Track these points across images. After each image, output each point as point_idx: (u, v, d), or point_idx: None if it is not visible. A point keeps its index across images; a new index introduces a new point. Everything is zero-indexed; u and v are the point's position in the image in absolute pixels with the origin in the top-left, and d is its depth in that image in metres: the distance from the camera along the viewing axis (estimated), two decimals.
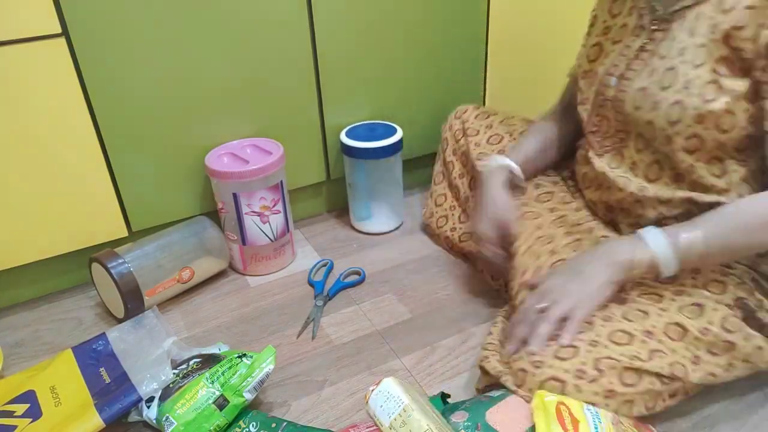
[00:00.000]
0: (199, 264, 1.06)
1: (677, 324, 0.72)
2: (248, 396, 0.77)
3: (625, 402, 0.69)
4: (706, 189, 0.76)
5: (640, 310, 0.73)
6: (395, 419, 0.62)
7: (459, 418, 0.69)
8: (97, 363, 0.87)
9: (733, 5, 0.68)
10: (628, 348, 0.70)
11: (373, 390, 0.65)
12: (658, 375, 0.70)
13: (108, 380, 0.83)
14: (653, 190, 0.80)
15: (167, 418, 0.75)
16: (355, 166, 1.17)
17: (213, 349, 0.87)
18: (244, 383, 0.77)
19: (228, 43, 1.03)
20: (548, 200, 0.94)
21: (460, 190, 1.11)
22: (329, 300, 1.04)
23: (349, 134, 1.17)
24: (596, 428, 0.65)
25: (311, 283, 1.08)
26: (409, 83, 1.24)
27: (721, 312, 0.72)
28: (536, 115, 1.03)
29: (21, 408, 0.79)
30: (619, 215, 0.86)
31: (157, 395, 0.79)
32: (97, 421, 0.75)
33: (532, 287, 0.79)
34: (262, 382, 0.78)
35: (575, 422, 0.65)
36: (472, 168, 1.06)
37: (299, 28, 1.08)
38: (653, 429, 0.72)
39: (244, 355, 0.81)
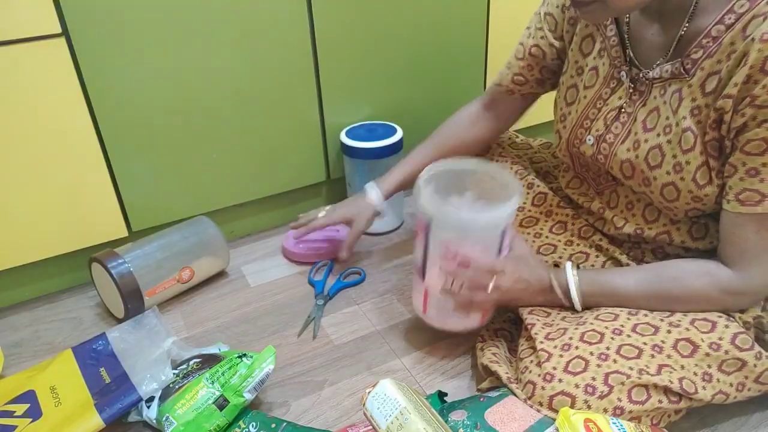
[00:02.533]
0: (199, 264, 1.06)
1: (687, 339, 0.70)
2: (248, 396, 0.77)
3: (632, 419, 0.68)
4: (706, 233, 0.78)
5: (650, 324, 0.73)
6: (392, 422, 0.62)
7: (458, 416, 0.69)
8: (97, 363, 0.87)
9: (717, 88, 0.67)
10: (636, 362, 0.69)
11: (369, 392, 0.65)
12: (666, 391, 0.68)
13: (108, 380, 0.83)
14: (651, 232, 0.81)
15: (167, 418, 0.75)
16: (355, 166, 1.17)
17: (213, 349, 0.87)
18: (244, 383, 0.77)
19: (228, 43, 1.03)
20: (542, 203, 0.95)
21: None
22: (329, 299, 1.04)
23: (349, 134, 1.17)
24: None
25: (311, 283, 1.08)
26: (409, 83, 1.24)
27: (732, 329, 0.71)
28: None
29: (21, 408, 0.79)
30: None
31: (157, 395, 0.79)
32: (97, 421, 0.75)
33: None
34: (262, 382, 0.78)
35: None
36: None
37: (299, 28, 1.08)
38: None
39: (244, 355, 0.81)
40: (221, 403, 0.76)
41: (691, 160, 0.70)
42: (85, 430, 0.75)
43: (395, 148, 1.16)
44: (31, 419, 0.77)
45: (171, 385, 0.79)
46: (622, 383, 0.68)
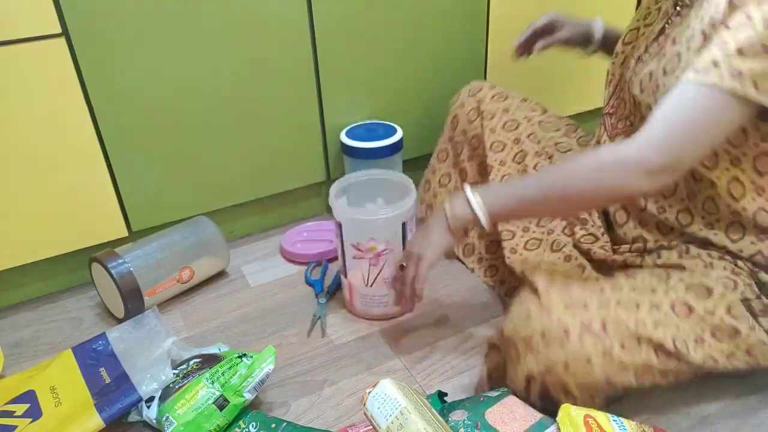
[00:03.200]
0: (199, 264, 1.06)
1: (684, 303, 0.71)
2: (248, 396, 0.77)
3: (620, 368, 0.68)
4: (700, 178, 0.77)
5: (647, 286, 0.73)
6: (392, 422, 0.62)
7: (458, 416, 0.69)
8: (97, 363, 0.87)
9: None
10: (635, 315, 0.70)
11: (369, 392, 0.65)
12: (659, 349, 0.69)
13: (108, 380, 0.83)
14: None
15: (167, 418, 0.75)
16: (355, 166, 1.17)
17: (213, 349, 0.87)
18: (244, 383, 0.77)
19: (228, 43, 1.03)
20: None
21: (468, 174, 1.08)
22: (331, 298, 1.04)
23: (349, 134, 1.17)
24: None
25: (309, 283, 1.08)
26: (409, 83, 1.24)
27: (729, 298, 0.71)
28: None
29: (21, 408, 0.79)
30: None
31: (157, 395, 0.79)
32: (97, 421, 0.75)
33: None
34: (262, 382, 0.78)
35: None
36: (485, 152, 1.03)
37: (299, 28, 1.08)
38: None
39: (244, 355, 0.81)
40: (221, 403, 0.76)
41: (693, 60, 0.68)
42: (85, 430, 0.75)
43: (395, 148, 1.16)
44: (31, 419, 0.77)
45: (171, 385, 0.79)
46: (618, 329, 0.68)
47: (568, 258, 0.89)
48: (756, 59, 0.61)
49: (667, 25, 0.77)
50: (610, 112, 0.87)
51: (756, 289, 0.75)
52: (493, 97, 1.04)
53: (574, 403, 0.69)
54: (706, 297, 0.72)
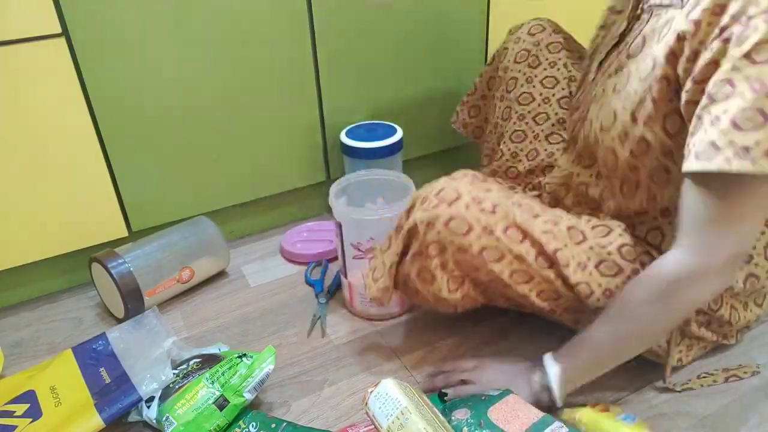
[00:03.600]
0: (199, 264, 1.06)
1: (581, 231, 0.74)
2: (248, 396, 0.77)
3: (496, 250, 0.71)
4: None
5: (555, 211, 0.76)
6: (393, 422, 0.62)
7: (461, 415, 0.69)
8: (97, 363, 0.87)
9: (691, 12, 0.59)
10: (529, 217, 0.73)
11: (371, 392, 0.65)
12: (539, 250, 0.72)
13: (108, 380, 0.83)
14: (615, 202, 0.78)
15: (167, 418, 0.75)
16: (355, 166, 1.17)
17: (213, 349, 0.87)
18: (244, 383, 0.77)
19: (228, 43, 1.03)
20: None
21: (494, 113, 1.03)
22: (331, 298, 1.04)
23: (349, 134, 1.17)
24: (626, 417, 0.71)
25: (309, 283, 1.08)
26: (409, 83, 1.24)
27: (624, 239, 0.73)
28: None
29: (21, 408, 0.79)
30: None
31: (157, 395, 0.79)
32: (97, 421, 0.75)
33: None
34: (262, 382, 0.78)
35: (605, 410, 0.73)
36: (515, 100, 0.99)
37: (299, 28, 1.08)
38: None
39: (244, 355, 0.81)
40: (221, 403, 0.76)
41: (638, 90, 0.66)
42: (85, 430, 0.75)
43: (395, 148, 1.16)
44: (31, 419, 0.77)
45: (171, 385, 0.79)
46: (506, 216, 0.71)
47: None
48: (758, 129, 0.55)
49: (627, 30, 0.73)
50: (576, 106, 0.85)
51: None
52: (548, 45, 0.97)
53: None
54: (604, 235, 0.73)
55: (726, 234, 0.61)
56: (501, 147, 0.99)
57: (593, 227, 0.75)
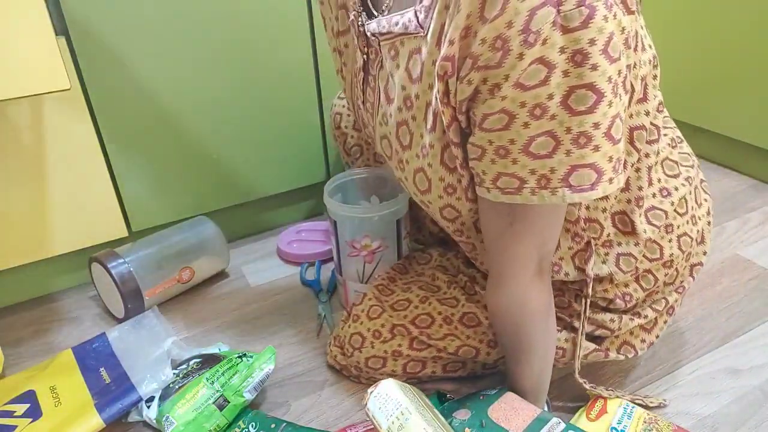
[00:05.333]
0: (199, 264, 1.06)
1: (474, 314, 0.78)
2: (248, 396, 0.77)
3: (415, 362, 0.80)
4: None
5: (455, 298, 0.80)
6: (393, 422, 0.62)
7: (462, 415, 0.69)
8: (97, 363, 0.87)
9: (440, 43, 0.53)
10: (428, 330, 0.78)
11: (371, 392, 0.65)
12: (443, 353, 0.78)
13: (108, 380, 0.83)
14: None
15: (167, 418, 0.75)
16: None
17: (213, 349, 0.88)
18: (244, 383, 0.77)
19: (228, 43, 1.03)
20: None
21: None
22: (331, 296, 1.04)
23: None
24: (619, 421, 0.72)
25: (306, 284, 1.08)
26: None
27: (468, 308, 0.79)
28: None
29: (21, 408, 0.79)
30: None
31: (157, 395, 0.79)
32: (97, 421, 0.75)
33: None
34: (262, 382, 0.78)
35: (602, 413, 0.74)
36: None
37: (299, 28, 1.08)
38: None
39: (244, 355, 0.81)
40: (221, 403, 0.76)
41: (434, 141, 0.59)
42: (85, 430, 0.75)
43: None
44: (31, 419, 0.77)
45: (171, 385, 0.80)
46: (404, 335, 0.79)
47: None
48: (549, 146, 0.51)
49: (369, 66, 0.65)
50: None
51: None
52: None
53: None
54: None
55: (525, 248, 0.60)
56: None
57: (462, 317, 0.79)
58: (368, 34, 0.62)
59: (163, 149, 1.06)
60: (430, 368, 0.80)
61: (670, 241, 0.72)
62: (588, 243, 0.69)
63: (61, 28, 0.89)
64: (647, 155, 0.67)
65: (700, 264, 0.78)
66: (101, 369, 0.86)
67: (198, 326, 1.00)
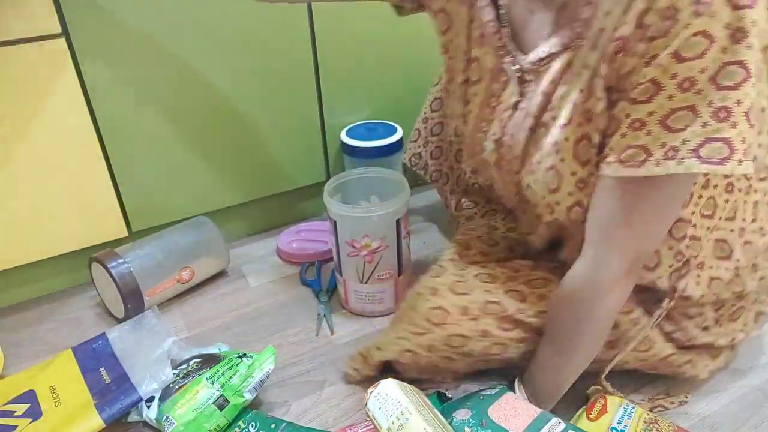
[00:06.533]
0: (199, 264, 1.06)
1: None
2: (248, 396, 0.77)
3: (497, 344, 0.74)
4: None
5: (543, 278, 0.77)
6: (393, 422, 0.62)
7: (463, 415, 0.69)
8: (97, 363, 0.87)
9: (603, 39, 0.56)
10: (518, 302, 0.74)
11: (372, 392, 0.65)
12: (535, 328, 0.73)
13: (108, 380, 0.83)
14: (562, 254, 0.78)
15: (167, 418, 0.75)
16: (355, 165, 1.17)
17: (213, 349, 0.88)
18: (244, 383, 0.77)
19: (227, 43, 1.03)
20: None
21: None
22: (331, 296, 1.04)
23: (349, 134, 1.17)
24: (619, 421, 0.71)
25: (306, 284, 1.08)
26: (409, 83, 1.24)
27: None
28: None
29: (21, 408, 0.79)
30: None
31: (157, 395, 0.79)
32: (97, 421, 0.75)
33: None
34: (262, 382, 0.78)
35: (602, 413, 0.73)
36: None
37: (299, 28, 1.08)
38: None
39: (244, 355, 0.81)
40: (221, 403, 0.76)
41: (569, 135, 0.61)
42: (85, 430, 0.75)
43: (395, 148, 1.16)
44: (31, 419, 0.77)
45: (171, 385, 0.80)
46: (495, 313, 0.73)
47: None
48: (687, 128, 0.52)
49: (519, 99, 0.68)
50: (489, 191, 0.86)
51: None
52: None
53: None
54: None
55: (629, 237, 0.60)
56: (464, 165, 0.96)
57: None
58: (529, 66, 0.64)
59: (163, 149, 1.06)
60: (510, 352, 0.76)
61: (752, 279, 0.73)
62: (687, 262, 0.69)
63: (61, 28, 0.89)
64: (755, 191, 0.68)
65: (764, 313, 0.78)
66: (101, 369, 0.86)
67: (198, 326, 1.00)
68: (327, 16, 1.09)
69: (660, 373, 0.79)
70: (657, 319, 0.71)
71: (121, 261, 0.97)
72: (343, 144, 1.17)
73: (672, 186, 0.57)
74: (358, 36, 1.14)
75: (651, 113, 0.53)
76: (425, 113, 1.10)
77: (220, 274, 1.12)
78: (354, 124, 1.21)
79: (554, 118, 0.63)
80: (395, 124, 1.21)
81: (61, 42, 0.90)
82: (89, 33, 0.92)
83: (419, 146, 1.12)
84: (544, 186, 0.67)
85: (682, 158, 0.53)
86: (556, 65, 0.62)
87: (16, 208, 0.97)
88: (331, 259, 1.01)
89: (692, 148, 0.52)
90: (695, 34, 0.49)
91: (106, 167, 1.02)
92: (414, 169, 1.14)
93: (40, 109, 0.92)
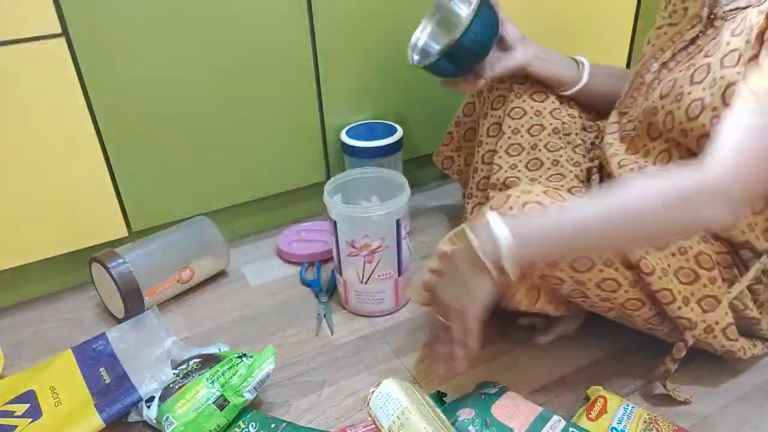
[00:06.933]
0: (199, 264, 1.06)
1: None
2: (248, 396, 0.77)
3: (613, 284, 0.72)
4: None
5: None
6: (394, 422, 0.62)
7: (466, 414, 0.69)
8: (97, 363, 0.87)
9: None
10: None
11: (373, 391, 0.66)
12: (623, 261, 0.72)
13: (108, 380, 0.83)
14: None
15: (167, 418, 0.75)
16: (355, 165, 1.17)
17: (213, 349, 0.88)
18: (244, 383, 0.77)
19: (228, 43, 1.03)
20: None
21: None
22: (331, 296, 1.04)
23: (349, 134, 1.17)
24: (619, 421, 0.71)
25: (306, 284, 1.08)
26: (409, 83, 1.24)
27: (701, 247, 0.75)
28: None
29: (21, 408, 0.79)
30: None
31: (157, 395, 0.79)
32: (97, 421, 0.75)
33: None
34: (262, 382, 0.78)
35: (602, 413, 0.73)
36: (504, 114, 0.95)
37: (299, 28, 1.08)
38: None
39: (244, 355, 0.81)
40: (221, 403, 0.76)
41: (726, 75, 0.69)
42: (85, 430, 0.75)
43: (395, 148, 1.16)
44: (31, 419, 0.77)
45: (171, 385, 0.79)
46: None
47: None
48: None
49: (701, 34, 0.78)
50: (623, 111, 0.87)
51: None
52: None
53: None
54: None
55: (758, 175, 0.60)
56: (496, 161, 0.94)
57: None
58: (719, 13, 0.75)
59: (163, 149, 1.06)
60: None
61: None
62: None
63: (61, 28, 0.89)
64: None
65: None
66: (101, 369, 0.86)
67: (198, 326, 1.00)
68: (327, 15, 1.09)
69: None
70: (755, 273, 0.75)
71: (121, 261, 0.97)
72: (343, 144, 1.17)
73: None
74: (359, 36, 1.14)
75: None
76: (458, 117, 1.11)
77: (220, 274, 1.12)
78: (354, 124, 1.21)
79: (718, 62, 0.71)
80: (395, 124, 1.21)
81: (61, 42, 0.90)
82: (89, 33, 0.92)
83: (452, 150, 1.14)
84: (684, 115, 0.73)
85: None
86: (738, 17, 0.70)
87: (16, 208, 0.97)
88: (331, 259, 1.01)
89: None
90: None
91: (106, 167, 1.02)
92: (445, 171, 1.17)
93: (40, 109, 0.92)
